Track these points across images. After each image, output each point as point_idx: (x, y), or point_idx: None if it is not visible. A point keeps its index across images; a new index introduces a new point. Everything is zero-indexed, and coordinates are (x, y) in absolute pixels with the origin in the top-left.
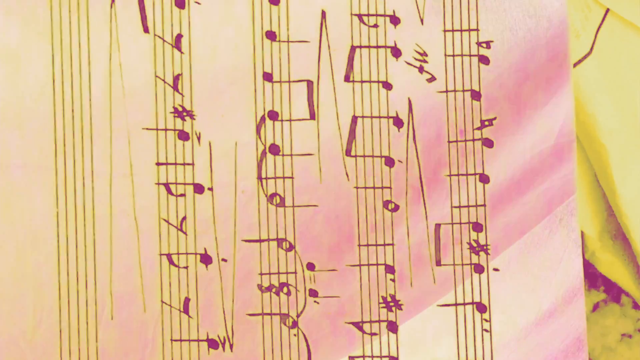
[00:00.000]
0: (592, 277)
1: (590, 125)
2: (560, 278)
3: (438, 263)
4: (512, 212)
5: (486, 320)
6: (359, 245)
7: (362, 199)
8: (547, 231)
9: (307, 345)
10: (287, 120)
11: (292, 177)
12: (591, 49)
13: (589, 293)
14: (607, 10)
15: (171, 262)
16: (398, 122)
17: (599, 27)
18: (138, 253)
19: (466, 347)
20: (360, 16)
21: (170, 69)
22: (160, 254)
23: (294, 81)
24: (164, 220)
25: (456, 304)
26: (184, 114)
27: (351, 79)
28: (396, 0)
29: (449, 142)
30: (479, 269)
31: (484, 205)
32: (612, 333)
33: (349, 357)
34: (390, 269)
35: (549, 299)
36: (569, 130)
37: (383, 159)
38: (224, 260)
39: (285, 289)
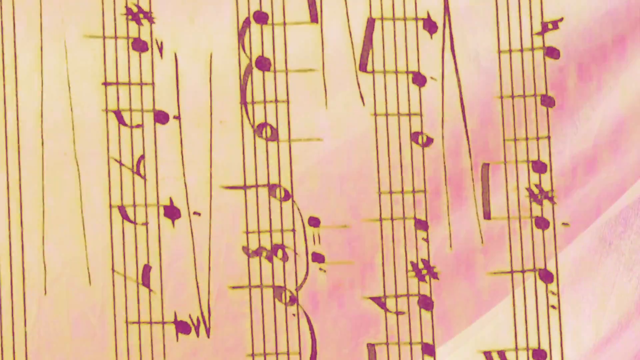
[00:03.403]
0: None
1: None
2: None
3: (486, 216)
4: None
5: (553, 294)
6: (379, 193)
7: (383, 129)
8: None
9: (311, 329)
10: (280, 24)
11: (287, 101)
12: None
13: None
14: None
15: (125, 216)
16: (430, 26)
17: None
18: (80, 205)
19: (526, 331)
20: None
21: None
22: (110, 206)
23: None
24: (115, 160)
25: (512, 272)
26: (140, 15)
27: None
28: None
29: (499, 52)
30: (541, 223)
31: (548, 137)
32: None
33: (368, 344)
34: (422, 224)
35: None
36: None
37: (410, 75)
38: (197, 213)
39: (280, 253)
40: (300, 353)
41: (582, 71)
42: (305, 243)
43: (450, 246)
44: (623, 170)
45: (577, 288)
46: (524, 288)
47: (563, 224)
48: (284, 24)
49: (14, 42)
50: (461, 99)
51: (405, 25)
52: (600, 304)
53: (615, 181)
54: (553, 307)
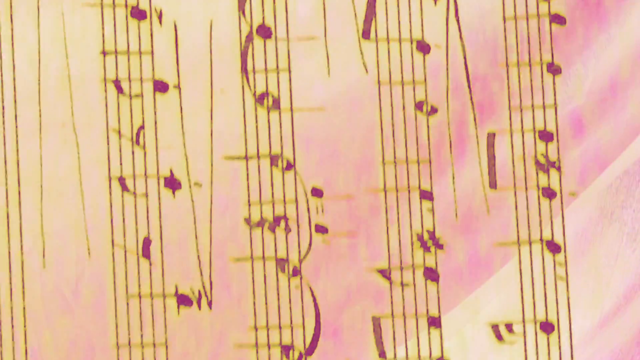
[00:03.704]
0: None
1: None
2: (619, 276)
3: (492, 185)
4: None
5: (561, 265)
6: (384, 163)
7: (387, 98)
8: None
9: (314, 301)
10: None
11: (289, 70)
12: None
13: None
14: None
15: (124, 187)
16: None
17: None
18: (79, 177)
19: (533, 303)
20: None
21: None
22: (110, 177)
23: None
24: (114, 131)
25: (519, 242)
26: None
27: None
28: None
29: (504, 19)
30: (548, 193)
31: (555, 105)
32: None
33: (372, 317)
34: (427, 195)
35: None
36: None
37: (414, 43)
38: (198, 184)
39: (282, 224)
40: (303, 326)
41: (572, 29)
42: (308, 214)
43: (456, 216)
44: (618, 130)
45: (579, 261)
46: (530, 259)
47: (570, 193)
48: None
49: (10, 10)
50: (466, 66)
51: None
52: (604, 276)
53: (611, 142)
54: (560, 278)
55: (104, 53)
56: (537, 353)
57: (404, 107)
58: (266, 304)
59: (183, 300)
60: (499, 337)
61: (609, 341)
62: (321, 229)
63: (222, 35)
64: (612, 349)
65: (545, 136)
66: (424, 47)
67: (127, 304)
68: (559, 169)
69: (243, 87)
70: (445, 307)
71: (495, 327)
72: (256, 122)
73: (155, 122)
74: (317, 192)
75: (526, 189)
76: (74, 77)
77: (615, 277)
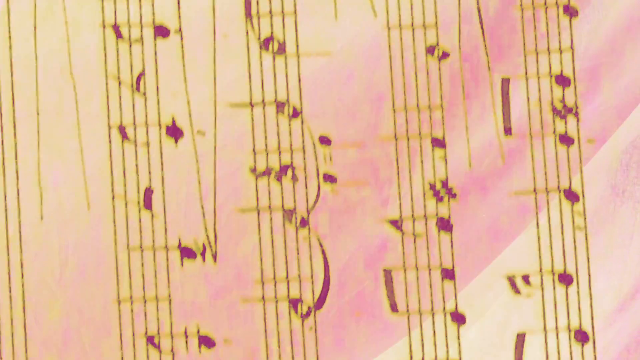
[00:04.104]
0: None
1: None
2: (635, 256)
3: (507, 131)
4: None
5: (579, 215)
6: (394, 110)
7: (396, 42)
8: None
9: (323, 253)
10: None
11: (294, 13)
12: None
13: None
14: None
15: (124, 136)
16: None
17: None
18: (77, 125)
19: (551, 254)
20: None
21: None
22: (109, 126)
23: None
24: (113, 77)
25: (535, 191)
26: None
27: None
28: None
29: None
30: (565, 140)
31: (572, 49)
32: None
33: (384, 269)
34: (439, 143)
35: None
36: None
37: None
38: (201, 133)
39: (289, 173)
40: (312, 279)
41: None
42: (316, 163)
43: (470, 165)
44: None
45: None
46: (548, 208)
47: (588, 140)
48: None
49: None
50: (479, 9)
51: None
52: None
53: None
54: (579, 228)
55: None
56: (555, 306)
57: (414, 52)
58: (273, 256)
59: (186, 252)
60: (516, 289)
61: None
62: (330, 179)
63: None
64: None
65: (562, 81)
66: None
67: (129, 257)
68: (576, 115)
69: (247, 31)
70: (459, 259)
71: (511, 279)
72: (261, 68)
73: (156, 69)
74: (325, 140)
75: (543, 136)
76: (71, 22)
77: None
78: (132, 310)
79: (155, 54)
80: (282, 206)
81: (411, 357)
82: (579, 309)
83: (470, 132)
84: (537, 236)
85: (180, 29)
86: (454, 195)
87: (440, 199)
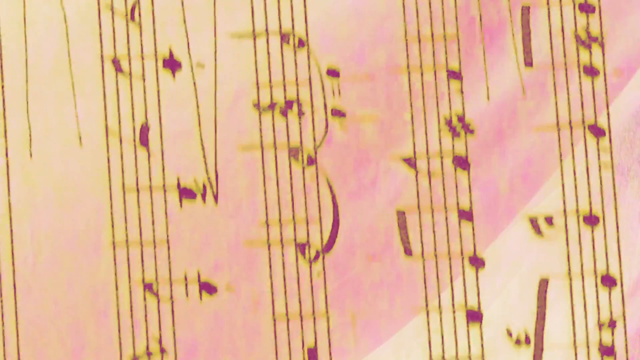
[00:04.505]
0: None
1: None
2: None
3: (528, 63)
4: None
5: (605, 151)
6: (406, 40)
7: None
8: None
9: (332, 193)
10: None
11: None
12: None
13: None
14: None
15: (118, 68)
16: None
17: None
18: (68, 58)
19: (576, 193)
20: None
21: None
22: (102, 57)
23: None
24: (106, 5)
25: (558, 126)
26: None
27: None
28: None
29: None
30: (590, 70)
31: None
32: None
33: (397, 210)
34: (455, 75)
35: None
36: None
37: None
38: (200, 65)
39: (295, 108)
40: (320, 221)
41: None
42: (324, 96)
43: (488, 98)
44: None
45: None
46: (572, 144)
47: (615, 71)
48: None
49: None
50: None
51: None
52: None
53: None
54: (605, 165)
55: None
56: (580, 248)
57: None
58: (278, 195)
59: (186, 193)
60: (538, 231)
61: None
62: (338, 113)
63: None
64: None
65: (586, 8)
66: None
67: (124, 197)
68: (601, 44)
69: None
70: (478, 203)
71: (533, 221)
72: None
73: None
74: (332, 72)
75: (565, 67)
76: None
77: None
78: (127, 255)
79: None
80: (288, 143)
81: (426, 303)
82: (606, 251)
83: (488, 64)
84: (561, 174)
85: None
86: (471, 131)
87: (456, 135)
